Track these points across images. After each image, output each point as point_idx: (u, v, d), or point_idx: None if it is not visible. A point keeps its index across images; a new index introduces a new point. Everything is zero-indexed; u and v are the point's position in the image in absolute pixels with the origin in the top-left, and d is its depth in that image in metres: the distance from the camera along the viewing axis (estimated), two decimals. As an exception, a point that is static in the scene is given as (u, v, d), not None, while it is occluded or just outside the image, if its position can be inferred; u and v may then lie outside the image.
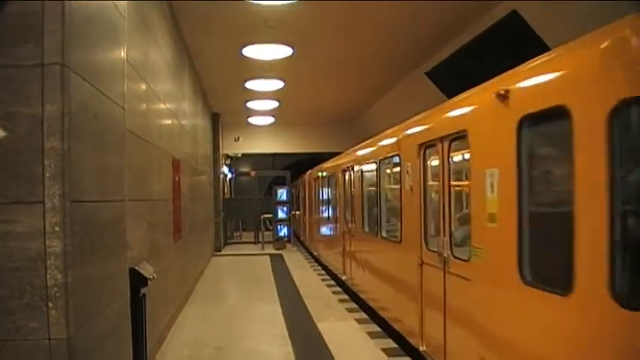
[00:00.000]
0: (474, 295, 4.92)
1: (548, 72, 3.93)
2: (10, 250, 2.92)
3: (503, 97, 4.24)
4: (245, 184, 28.43)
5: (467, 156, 5.24)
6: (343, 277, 11.83)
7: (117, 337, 3.98)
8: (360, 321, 8.68)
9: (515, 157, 4.10)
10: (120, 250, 4.12)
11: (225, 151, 21.09)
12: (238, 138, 21.35)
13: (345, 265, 11.80)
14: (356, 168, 10.78)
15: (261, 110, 17.62)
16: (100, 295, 3.59)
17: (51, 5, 2.98)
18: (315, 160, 20.30)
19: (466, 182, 5.48)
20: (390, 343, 7.47)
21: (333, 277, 13.41)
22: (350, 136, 18.84)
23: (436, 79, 11.66)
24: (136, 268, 4.89)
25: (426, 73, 11.79)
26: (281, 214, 20.93)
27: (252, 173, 23.62)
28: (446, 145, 5.67)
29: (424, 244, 6.36)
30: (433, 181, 6.36)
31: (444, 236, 5.70)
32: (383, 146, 8.68)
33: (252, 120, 19.76)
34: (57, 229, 2.92)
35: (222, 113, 18.59)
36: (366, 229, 9.94)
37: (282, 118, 19.35)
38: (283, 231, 20.97)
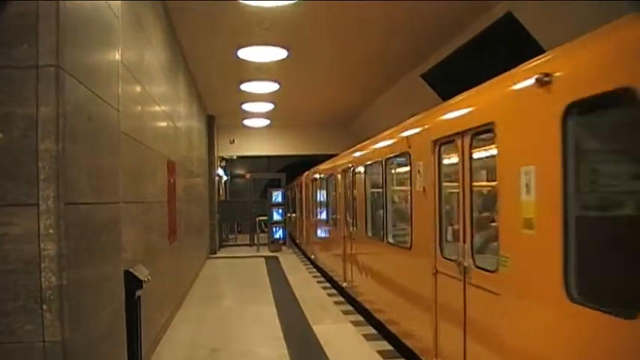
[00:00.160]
0: (504, 311, 4.27)
1: (603, 50, 3.34)
2: (5, 252, 2.90)
3: (544, 82, 3.61)
4: (240, 187, 28.42)
5: (493, 152, 4.60)
6: (344, 284, 11.11)
7: (112, 340, 3.97)
8: (355, 323, 8.66)
9: (560, 152, 3.46)
10: (115, 252, 4.11)
11: (220, 154, 21.09)
12: (233, 140, 21.37)
13: (345, 271, 11.06)
14: (358, 168, 10.11)
15: (257, 112, 17.60)
16: (95, 298, 3.57)
17: (45, 5, 2.96)
18: (310, 162, 20.28)
19: (492, 183, 4.85)
20: (386, 346, 7.45)
21: (329, 279, 13.35)
22: (345, 139, 18.90)
23: (432, 82, 11.67)
24: (131, 270, 4.88)
25: (422, 76, 11.81)
26: (276, 217, 20.95)
27: (248, 175, 23.61)
28: (467, 140, 5.02)
29: (439, 252, 5.73)
30: (450, 181, 5.78)
31: (464, 243, 5.04)
32: (389, 144, 7.99)
33: (248, 122, 19.74)
34: (51, 231, 2.91)
35: (218, 115, 18.57)
36: (370, 233, 9.29)
37: (278, 120, 19.34)
38: (279, 233, 20.97)
